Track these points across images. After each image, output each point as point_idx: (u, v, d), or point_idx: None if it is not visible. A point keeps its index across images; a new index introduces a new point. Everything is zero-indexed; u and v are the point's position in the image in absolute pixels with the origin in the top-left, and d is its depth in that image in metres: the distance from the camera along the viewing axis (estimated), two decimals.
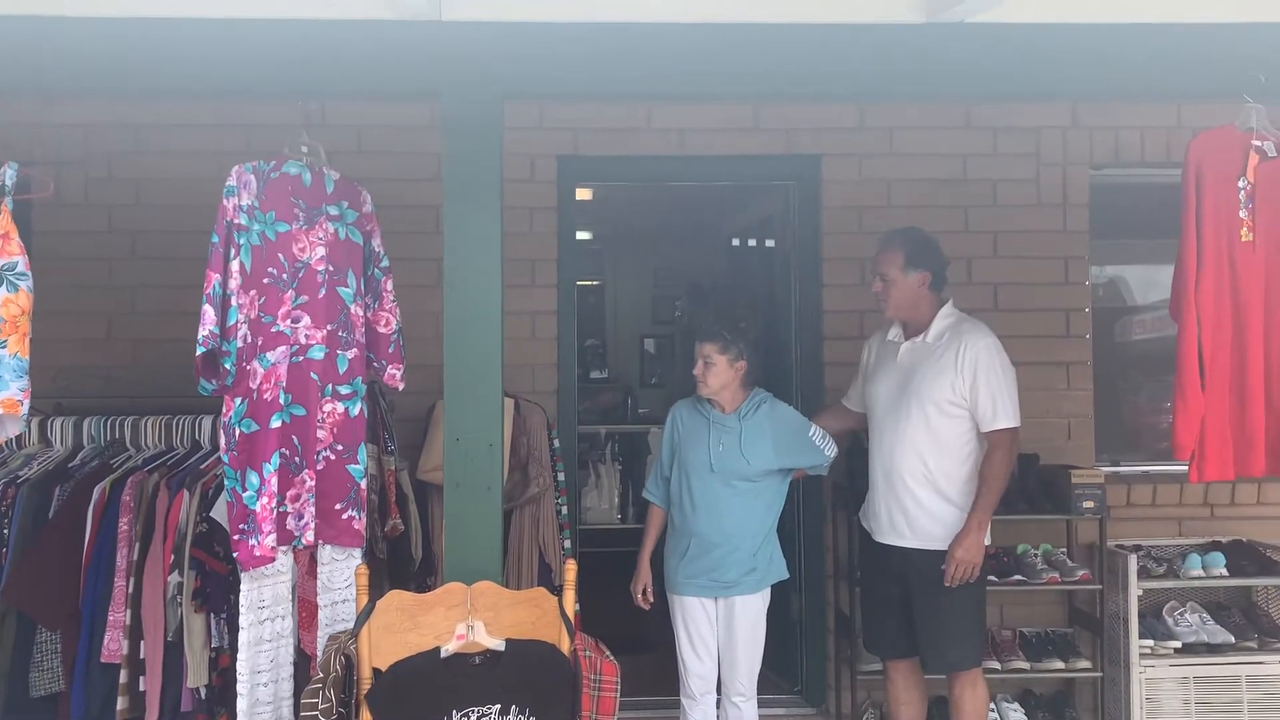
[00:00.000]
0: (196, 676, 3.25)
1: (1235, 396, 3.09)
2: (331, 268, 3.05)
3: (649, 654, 4.60)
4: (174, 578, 3.27)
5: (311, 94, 3.23)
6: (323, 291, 3.03)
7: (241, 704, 2.93)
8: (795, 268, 4.74)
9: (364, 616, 2.74)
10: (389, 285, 3.17)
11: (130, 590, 3.33)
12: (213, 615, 3.28)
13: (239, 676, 2.94)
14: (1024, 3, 2.85)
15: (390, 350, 3.16)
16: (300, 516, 3.01)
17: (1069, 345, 4.60)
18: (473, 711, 2.68)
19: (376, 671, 2.72)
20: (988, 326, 3.61)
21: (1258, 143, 3.07)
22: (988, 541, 3.52)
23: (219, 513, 3.25)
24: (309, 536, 3.02)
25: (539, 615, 2.84)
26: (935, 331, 3.58)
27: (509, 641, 2.76)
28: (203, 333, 2.84)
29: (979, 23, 2.93)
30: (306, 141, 3.08)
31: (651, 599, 3.73)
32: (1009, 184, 4.60)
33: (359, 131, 4.35)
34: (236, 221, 2.91)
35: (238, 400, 2.91)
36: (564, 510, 4.15)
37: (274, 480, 2.91)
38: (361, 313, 3.11)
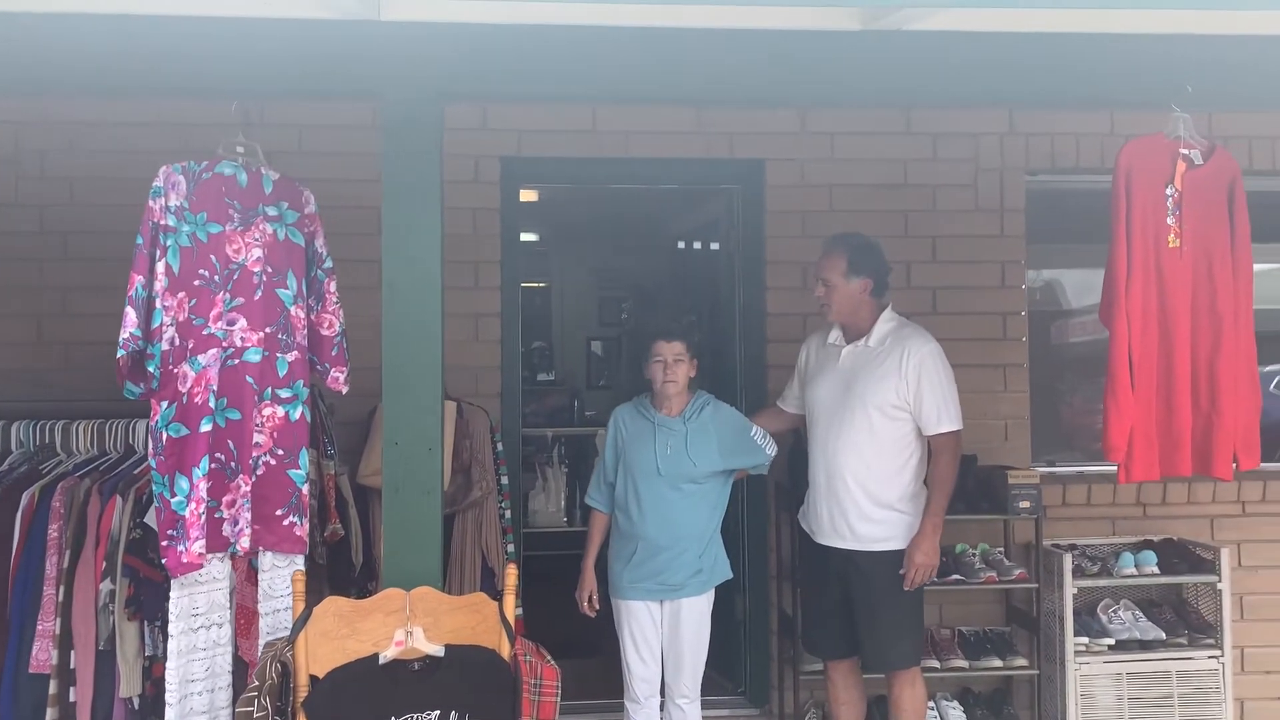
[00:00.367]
0: (129, 686, 3.19)
1: (1162, 399, 3.15)
2: (270, 269, 3.00)
3: (594, 658, 4.58)
4: (106, 585, 3.20)
5: (249, 93, 3.18)
6: (259, 293, 2.98)
7: (170, 714, 2.87)
8: (739, 270, 4.77)
9: (301, 623, 2.71)
10: (332, 287, 3.12)
11: (60, 599, 3.26)
12: (147, 623, 3.22)
13: (168, 686, 2.89)
14: (959, 13, 2.88)
15: (334, 353, 3.11)
16: (235, 522, 2.96)
17: (1006, 348, 4.66)
18: (412, 717, 2.67)
19: (314, 679, 2.69)
20: (928, 332, 3.66)
21: (1185, 151, 3.14)
22: None
23: (153, 519, 3.19)
24: (244, 543, 2.97)
25: (479, 620, 2.82)
26: (877, 336, 3.63)
27: (448, 647, 2.75)
28: (123, 335, 2.79)
29: (915, 30, 2.97)
30: (242, 141, 3.03)
31: (598, 606, 3.73)
32: (948, 189, 4.66)
33: (300, 131, 4.29)
34: (163, 223, 2.86)
35: (164, 404, 2.85)
36: (507, 514, 4.13)
37: (203, 485, 2.87)
38: (303, 315, 3.06)
